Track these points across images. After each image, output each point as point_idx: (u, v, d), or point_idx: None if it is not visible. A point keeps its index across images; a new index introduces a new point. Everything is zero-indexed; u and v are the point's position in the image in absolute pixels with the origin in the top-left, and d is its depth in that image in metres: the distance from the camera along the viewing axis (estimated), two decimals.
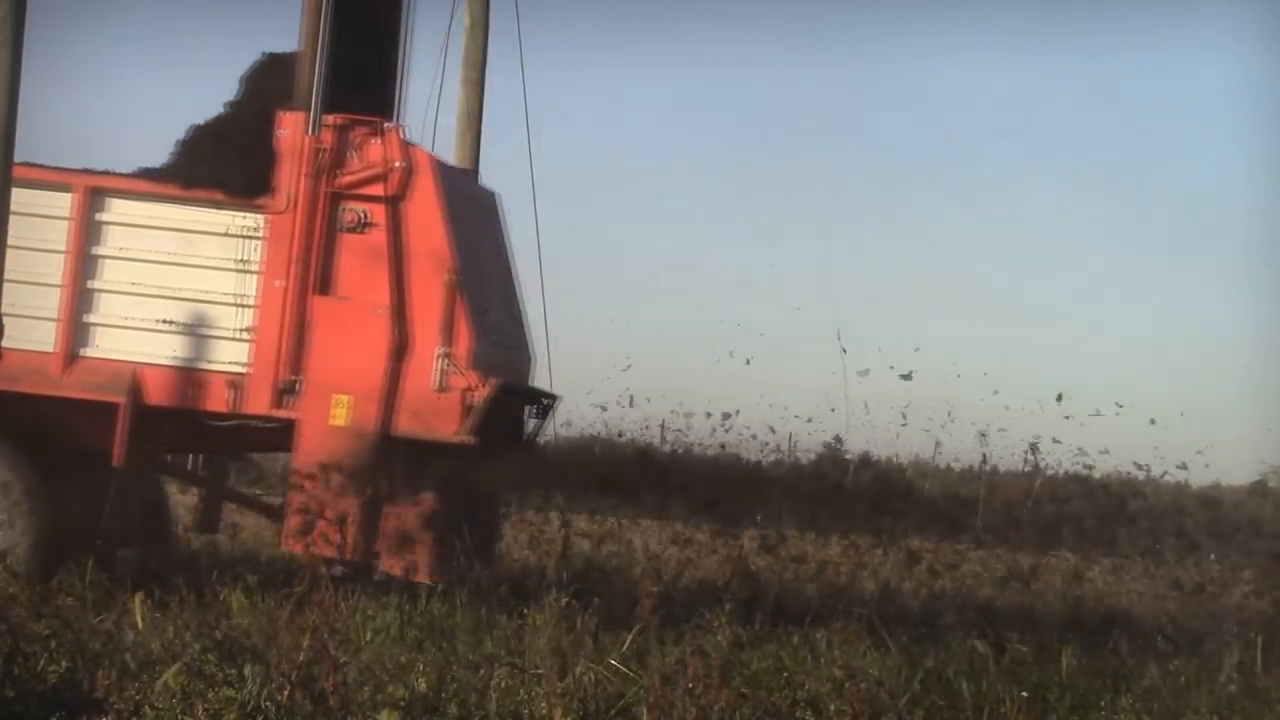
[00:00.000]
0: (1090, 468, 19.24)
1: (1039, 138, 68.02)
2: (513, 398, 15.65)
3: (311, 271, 14.81)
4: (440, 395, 14.48)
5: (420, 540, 14.28)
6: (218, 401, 14.82)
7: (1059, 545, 17.12)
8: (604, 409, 18.20)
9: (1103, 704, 11.15)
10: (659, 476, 15.77)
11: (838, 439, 16.31)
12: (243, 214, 14.90)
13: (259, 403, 14.76)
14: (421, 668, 10.50)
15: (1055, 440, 18.70)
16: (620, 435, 17.25)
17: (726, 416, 17.56)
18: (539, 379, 16.63)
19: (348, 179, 14.89)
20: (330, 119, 14.93)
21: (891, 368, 17.80)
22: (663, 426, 17.73)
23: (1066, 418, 18.71)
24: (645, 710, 9.52)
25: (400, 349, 14.60)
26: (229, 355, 14.85)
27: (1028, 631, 14.44)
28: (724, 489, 15.66)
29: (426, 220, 14.87)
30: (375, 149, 14.91)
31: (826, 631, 13.03)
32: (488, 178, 19.77)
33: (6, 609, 10.41)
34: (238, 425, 15.24)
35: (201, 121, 15.45)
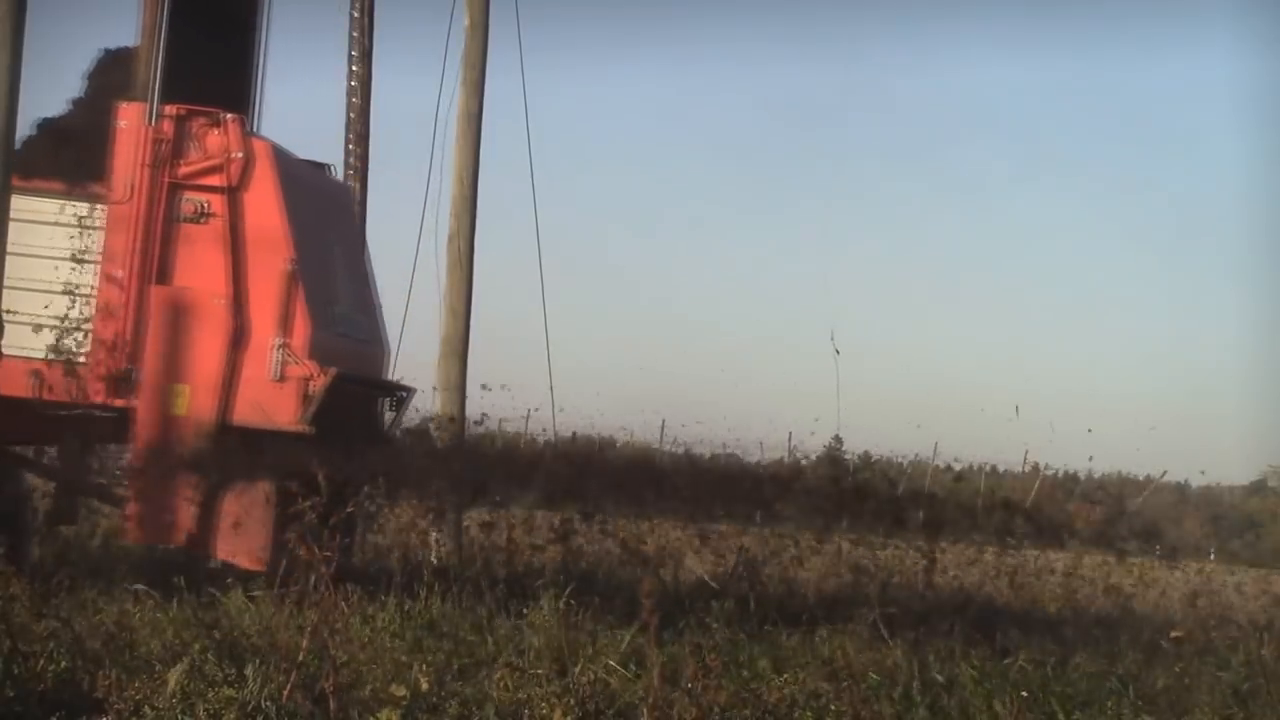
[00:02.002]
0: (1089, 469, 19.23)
1: (1038, 139, 68.03)
2: (361, 389, 15.67)
3: (149, 261, 14.88)
4: (278, 385, 14.57)
5: (254, 528, 14.37)
6: (57, 391, 14.84)
7: (1059, 544, 17.10)
8: (602, 412, 18.20)
9: (1107, 705, 11.13)
10: (659, 477, 15.73)
11: (838, 439, 16.30)
12: (81, 204, 14.94)
13: (97, 392, 14.81)
14: (421, 667, 10.49)
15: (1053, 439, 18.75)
16: (617, 433, 17.24)
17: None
18: (538, 377, 16.66)
19: (186, 169, 14.97)
20: (169, 109, 15.01)
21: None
22: (662, 426, 17.72)
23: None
24: (645, 710, 9.50)
25: (238, 338, 14.67)
26: (68, 345, 14.87)
27: (1029, 631, 14.44)
28: (725, 489, 15.62)
29: (264, 210, 14.94)
30: (214, 139, 14.99)
31: (826, 631, 13.03)
32: (488, 178, 19.79)
33: (6, 609, 10.38)
34: (81, 415, 15.20)
35: (45, 116, 15.53)
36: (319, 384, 14.52)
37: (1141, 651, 13.72)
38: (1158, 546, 19.71)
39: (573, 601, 13.20)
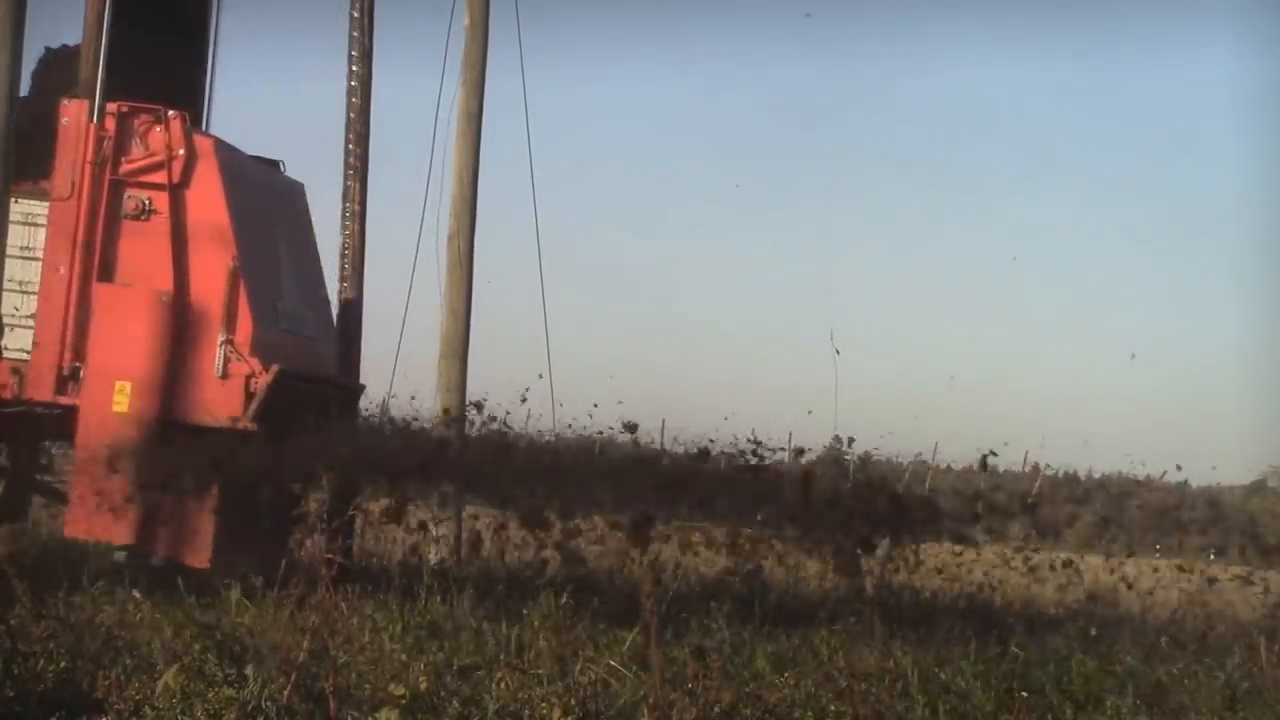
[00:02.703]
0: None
1: (1038, 139, 68.02)
2: (308, 386, 15.64)
3: (94, 258, 14.88)
4: (222, 381, 14.57)
5: (198, 526, 14.38)
6: (1, 388, 14.83)
7: (1059, 544, 17.11)
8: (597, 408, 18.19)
9: (1107, 704, 11.13)
10: (661, 477, 15.71)
11: (838, 439, 16.28)
12: (25, 200, 14.90)
13: (42, 389, 14.81)
14: (421, 667, 10.49)
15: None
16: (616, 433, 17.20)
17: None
18: (537, 376, 16.62)
19: (130, 166, 14.98)
20: (112, 106, 15.00)
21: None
22: (663, 426, 17.70)
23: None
24: (645, 710, 9.50)
25: (181, 336, 14.69)
26: (12, 341, 14.82)
27: (1029, 630, 14.45)
28: (727, 489, 15.61)
29: (208, 207, 14.95)
30: (157, 136, 15.00)
31: (827, 631, 13.02)
32: (488, 178, 19.76)
33: (6, 609, 10.38)
34: (24, 412, 15.19)
35: None
36: (262, 381, 14.52)
37: (1141, 651, 13.73)
38: (1157, 546, 19.71)
39: (573, 601, 13.20)
